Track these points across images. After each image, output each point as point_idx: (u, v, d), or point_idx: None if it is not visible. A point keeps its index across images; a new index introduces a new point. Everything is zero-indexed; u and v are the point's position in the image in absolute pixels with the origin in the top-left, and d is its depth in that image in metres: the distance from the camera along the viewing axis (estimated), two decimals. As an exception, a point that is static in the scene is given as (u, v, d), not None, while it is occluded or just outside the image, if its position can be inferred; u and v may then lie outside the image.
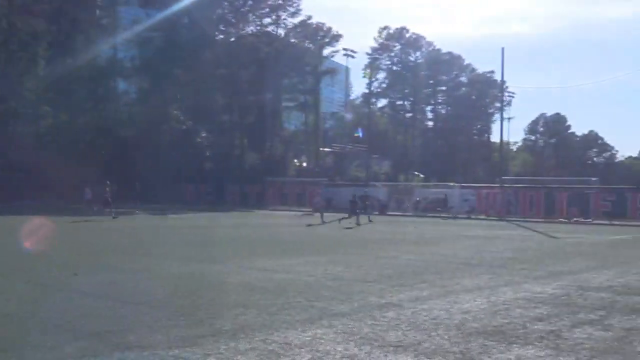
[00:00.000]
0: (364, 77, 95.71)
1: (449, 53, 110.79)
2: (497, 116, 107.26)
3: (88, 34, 68.48)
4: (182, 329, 8.10)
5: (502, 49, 53.47)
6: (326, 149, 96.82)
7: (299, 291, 11.37)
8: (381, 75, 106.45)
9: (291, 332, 8.08)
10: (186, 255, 17.24)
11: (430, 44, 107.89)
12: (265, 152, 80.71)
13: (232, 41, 77.70)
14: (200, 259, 16.37)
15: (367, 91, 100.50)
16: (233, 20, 79.13)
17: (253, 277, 13.17)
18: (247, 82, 78.15)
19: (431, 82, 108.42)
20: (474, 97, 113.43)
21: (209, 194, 66.20)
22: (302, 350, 7.19)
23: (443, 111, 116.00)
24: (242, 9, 78.97)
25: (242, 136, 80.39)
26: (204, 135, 77.60)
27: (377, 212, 51.22)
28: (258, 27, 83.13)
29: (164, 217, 40.40)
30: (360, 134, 67.83)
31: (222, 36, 79.94)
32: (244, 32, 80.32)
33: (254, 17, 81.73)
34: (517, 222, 42.78)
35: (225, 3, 77.99)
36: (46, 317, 8.69)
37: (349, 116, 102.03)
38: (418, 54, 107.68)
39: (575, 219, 43.72)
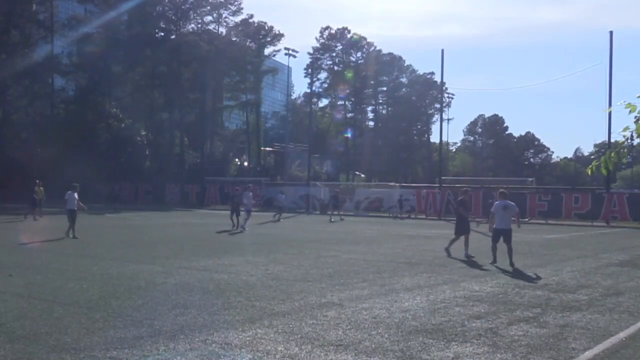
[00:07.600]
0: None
1: (390, 54, 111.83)
2: (436, 117, 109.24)
3: (24, 29, 66.96)
4: (119, 330, 7.97)
5: (442, 50, 53.65)
6: (267, 149, 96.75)
7: (239, 291, 11.33)
8: (322, 75, 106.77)
9: (231, 332, 8.04)
10: (124, 256, 16.97)
11: (371, 44, 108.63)
12: (205, 151, 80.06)
13: (173, 39, 76.83)
14: (138, 259, 16.12)
15: (308, 90, 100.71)
16: (174, 17, 78.31)
17: (192, 277, 13.06)
18: (188, 81, 77.58)
19: (372, 82, 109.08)
20: (414, 97, 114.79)
21: (149, 193, 65.23)
22: (243, 350, 7.16)
23: (384, 111, 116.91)
24: (183, 7, 78.22)
25: (182, 135, 79.62)
26: (143, 133, 76.52)
27: (317, 212, 51.51)
28: (199, 25, 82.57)
29: (101, 216, 39.68)
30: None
31: (162, 34, 79.03)
32: (184, 30, 79.57)
33: (195, 15, 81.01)
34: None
35: (166, 0, 77.15)
36: (-22, 320, 8.45)
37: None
38: (359, 54, 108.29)
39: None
